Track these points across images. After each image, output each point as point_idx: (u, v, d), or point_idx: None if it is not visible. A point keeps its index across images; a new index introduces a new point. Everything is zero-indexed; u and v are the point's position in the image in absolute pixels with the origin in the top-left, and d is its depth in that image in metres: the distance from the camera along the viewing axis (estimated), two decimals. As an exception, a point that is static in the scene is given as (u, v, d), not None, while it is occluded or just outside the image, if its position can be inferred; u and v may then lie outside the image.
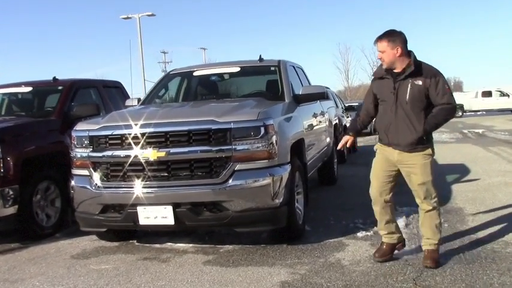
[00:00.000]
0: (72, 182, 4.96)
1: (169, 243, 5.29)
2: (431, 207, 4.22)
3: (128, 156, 4.64)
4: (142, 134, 4.60)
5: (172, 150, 4.53)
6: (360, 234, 5.22)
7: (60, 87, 7.14)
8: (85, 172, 4.85)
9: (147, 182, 4.61)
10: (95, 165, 4.79)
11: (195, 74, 6.64)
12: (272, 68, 6.35)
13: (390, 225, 4.38)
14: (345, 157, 12.40)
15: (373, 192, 4.37)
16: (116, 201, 4.73)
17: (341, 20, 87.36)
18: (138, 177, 4.64)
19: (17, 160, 5.62)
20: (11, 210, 5.57)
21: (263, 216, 4.60)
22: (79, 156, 4.88)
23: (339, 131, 12.06)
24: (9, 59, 77.23)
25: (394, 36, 4.06)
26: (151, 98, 6.41)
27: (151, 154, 4.54)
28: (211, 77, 6.63)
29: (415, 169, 4.12)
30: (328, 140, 7.83)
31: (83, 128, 4.92)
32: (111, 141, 4.74)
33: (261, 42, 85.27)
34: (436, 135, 18.84)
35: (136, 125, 4.68)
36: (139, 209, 4.59)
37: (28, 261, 5.03)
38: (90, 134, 4.82)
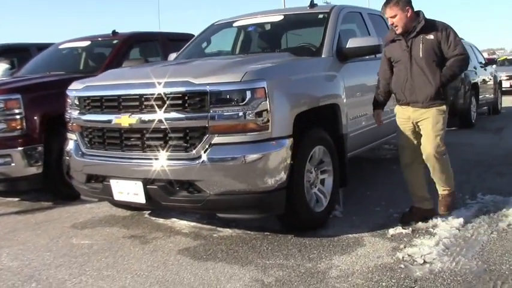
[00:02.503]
0: (66, 147, 4.55)
1: (174, 219, 4.67)
2: (439, 156, 4.05)
3: (104, 122, 4.07)
4: (117, 97, 3.97)
5: (145, 116, 3.82)
6: (392, 230, 4.04)
7: (115, 41, 6.80)
8: (74, 137, 4.40)
9: (121, 153, 4.00)
10: (82, 129, 4.30)
11: (234, 24, 5.75)
12: (320, 16, 5.18)
13: (421, 189, 4.31)
14: (472, 121, 10.50)
15: (402, 155, 4.33)
16: (93, 171, 4.22)
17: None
18: (113, 147, 4.06)
19: (41, 118, 5.40)
20: (35, 169, 5.41)
21: (248, 201, 3.71)
22: (69, 118, 4.43)
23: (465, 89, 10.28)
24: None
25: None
26: (188, 52, 5.71)
27: (123, 120, 3.90)
28: (249, 28, 5.69)
29: (427, 121, 4.05)
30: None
31: (72, 88, 4.44)
32: (92, 104, 4.18)
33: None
34: None
35: (114, 85, 4.07)
36: (112, 182, 4.01)
37: (31, 226, 4.82)
38: (75, 95, 4.33)
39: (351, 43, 4.75)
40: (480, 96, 10.98)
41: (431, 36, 3.96)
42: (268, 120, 3.65)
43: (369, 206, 4.82)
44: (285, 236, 4.07)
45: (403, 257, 3.49)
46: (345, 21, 5.27)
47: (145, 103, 3.83)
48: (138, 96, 3.86)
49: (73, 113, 4.36)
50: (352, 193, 5.23)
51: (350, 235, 4.02)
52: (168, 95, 3.73)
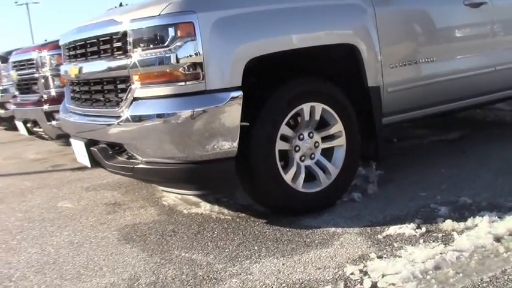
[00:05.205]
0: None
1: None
2: None
3: (66, 73, 3.60)
4: (74, 43, 3.45)
5: (84, 65, 3.24)
6: (395, 229, 2.72)
7: None
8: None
9: (80, 108, 3.48)
10: (65, 83, 3.92)
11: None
12: None
13: None
14: None
15: None
16: (66, 129, 3.81)
17: None
18: (76, 102, 3.57)
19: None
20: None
21: (178, 173, 2.87)
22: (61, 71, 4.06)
23: None
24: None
25: None
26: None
27: (71, 70, 3.38)
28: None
29: None
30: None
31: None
32: (66, 53, 3.73)
33: None
34: None
35: (75, 30, 3.56)
36: (72, 140, 3.56)
37: (58, 184, 4.71)
38: (62, 43, 3.94)
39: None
40: None
41: None
42: (200, 67, 2.72)
43: (417, 188, 3.45)
44: (255, 220, 3.10)
45: (351, 274, 2.26)
46: None
47: (88, 49, 3.23)
48: (83, 42, 3.28)
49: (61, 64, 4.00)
50: (425, 167, 3.91)
51: (332, 229, 2.85)
52: (99, 39, 3.07)
